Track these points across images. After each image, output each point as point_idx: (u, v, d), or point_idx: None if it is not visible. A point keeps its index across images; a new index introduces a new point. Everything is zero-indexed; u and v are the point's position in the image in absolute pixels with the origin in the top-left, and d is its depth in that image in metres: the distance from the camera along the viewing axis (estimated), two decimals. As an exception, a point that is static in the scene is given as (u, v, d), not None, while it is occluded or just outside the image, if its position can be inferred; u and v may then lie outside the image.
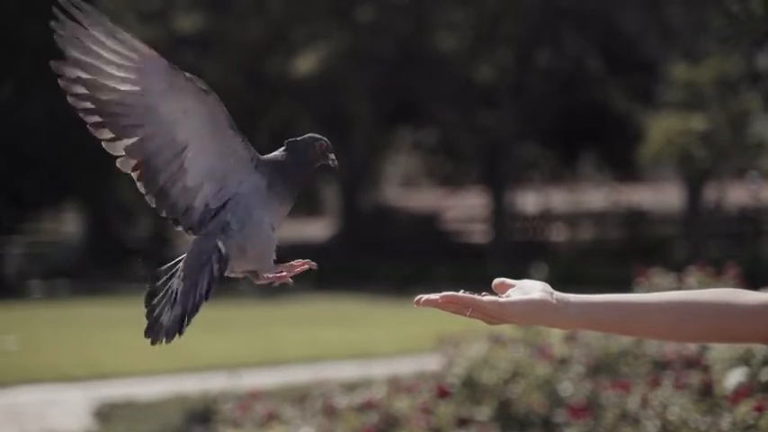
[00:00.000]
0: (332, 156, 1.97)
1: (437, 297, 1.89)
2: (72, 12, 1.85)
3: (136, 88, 1.88)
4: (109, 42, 1.87)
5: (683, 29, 20.71)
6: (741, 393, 4.26)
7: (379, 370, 8.42)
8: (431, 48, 23.85)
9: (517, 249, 23.40)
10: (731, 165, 18.01)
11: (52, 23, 1.85)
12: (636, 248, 22.15)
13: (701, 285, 5.64)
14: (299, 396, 6.80)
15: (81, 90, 1.89)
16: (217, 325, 14.89)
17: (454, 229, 28.45)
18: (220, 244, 1.89)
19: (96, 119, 1.91)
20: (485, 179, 25.64)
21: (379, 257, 22.44)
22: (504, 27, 22.93)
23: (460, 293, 1.88)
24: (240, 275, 1.97)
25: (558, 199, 27.49)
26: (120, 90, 1.89)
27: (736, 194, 22.34)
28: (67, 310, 17.69)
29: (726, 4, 20.25)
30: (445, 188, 30.29)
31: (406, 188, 33.51)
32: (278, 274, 1.96)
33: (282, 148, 1.98)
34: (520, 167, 25.68)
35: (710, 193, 20.68)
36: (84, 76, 1.89)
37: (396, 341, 12.18)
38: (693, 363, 5.05)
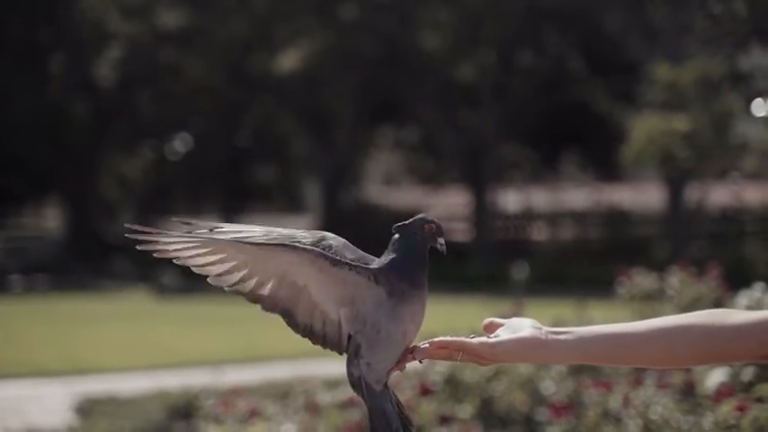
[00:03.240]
0: (441, 240, 1.96)
1: (427, 345, 1.89)
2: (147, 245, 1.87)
3: (233, 265, 1.92)
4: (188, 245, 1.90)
5: (666, 29, 20.76)
6: (723, 393, 4.27)
7: (362, 367, 8.40)
8: (414, 47, 23.86)
9: (499, 248, 23.43)
10: (713, 165, 18.04)
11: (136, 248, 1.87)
12: (617, 248, 22.20)
13: (683, 285, 5.65)
14: (282, 393, 6.80)
15: None
16: (198, 321, 14.88)
17: (436, 227, 28.44)
18: (354, 368, 1.95)
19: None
20: (466, 178, 25.67)
21: (361, 255, 22.40)
22: (487, 27, 22.95)
23: (449, 338, 1.87)
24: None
25: (540, 198, 27.53)
26: (221, 266, 1.92)
27: (718, 195, 22.40)
28: (48, 305, 17.64)
29: (708, 5, 20.34)
30: (427, 186, 30.31)
31: (388, 186, 33.50)
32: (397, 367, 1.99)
33: (394, 235, 1.99)
34: (502, 167, 25.71)
35: (692, 194, 20.73)
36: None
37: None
38: (675, 362, 5.05)
